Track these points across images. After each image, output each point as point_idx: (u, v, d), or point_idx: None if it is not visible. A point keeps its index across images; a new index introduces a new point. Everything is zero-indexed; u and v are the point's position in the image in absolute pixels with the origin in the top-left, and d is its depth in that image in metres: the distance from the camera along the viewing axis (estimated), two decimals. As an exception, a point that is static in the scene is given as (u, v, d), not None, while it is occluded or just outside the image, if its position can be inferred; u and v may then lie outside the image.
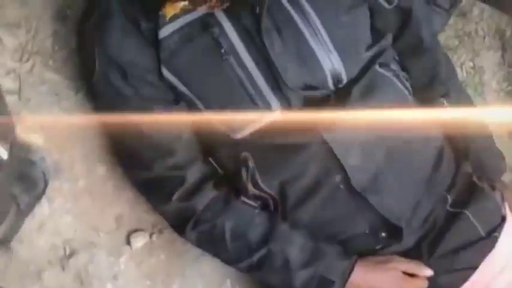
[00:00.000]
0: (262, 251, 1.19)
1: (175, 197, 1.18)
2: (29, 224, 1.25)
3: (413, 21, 1.26)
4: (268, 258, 1.19)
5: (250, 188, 1.18)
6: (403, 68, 1.29)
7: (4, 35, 1.27)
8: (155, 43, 1.12)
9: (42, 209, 1.26)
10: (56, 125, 1.31)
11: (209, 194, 1.20)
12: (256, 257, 1.19)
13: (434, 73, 1.31)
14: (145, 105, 1.15)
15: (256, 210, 1.21)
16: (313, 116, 1.14)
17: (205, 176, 1.21)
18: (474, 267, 1.24)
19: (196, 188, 1.19)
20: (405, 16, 1.25)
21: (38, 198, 1.25)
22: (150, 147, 1.17)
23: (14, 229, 1.22)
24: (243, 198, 1.20)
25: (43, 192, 1.26)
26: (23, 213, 1.22)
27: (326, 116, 1.13)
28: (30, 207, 1.24)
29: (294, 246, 1.20)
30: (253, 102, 1.13)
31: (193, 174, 1.19)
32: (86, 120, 1.32)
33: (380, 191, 1.19)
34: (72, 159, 1.32)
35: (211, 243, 1.22)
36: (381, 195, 1.19)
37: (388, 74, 1.21)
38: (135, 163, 1.22)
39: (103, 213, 1.32)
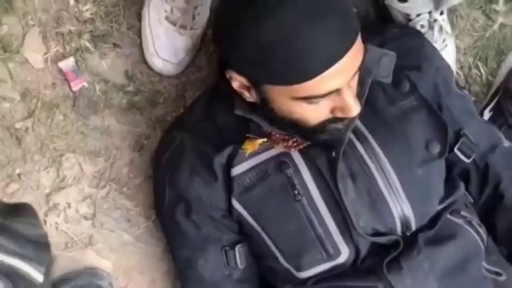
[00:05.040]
0: None
1: None
2: None
3: (491, 177, 1.21)
4: None
5: (313, 330, 1.15)
6: (491, 225, 1.23)
7: (85, 163, 1.34)
8: (226, 178, 1.13)
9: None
10: (125, 251, 1.34)
11: None
12: None
13: None
14: (201, 244, 1.17)
15: None
16: (380, 260, 1.10)
17: None
18: None
19: None
20: (484, 171, 1.22)
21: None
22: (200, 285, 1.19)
23: None
24: None
25: (108, 317, 1.27)
26: None
27: (393, 261, 1.10)
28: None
29: None
30: (323, 245, 1.11)
31: None
32: (153, 248, 1.35)
33: None
34: (139, 286, 1.34)
35: None
36: None
37: (459, 221, 1.18)
38: None
39: None
